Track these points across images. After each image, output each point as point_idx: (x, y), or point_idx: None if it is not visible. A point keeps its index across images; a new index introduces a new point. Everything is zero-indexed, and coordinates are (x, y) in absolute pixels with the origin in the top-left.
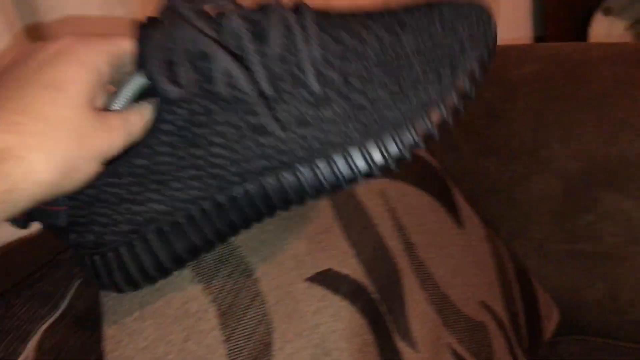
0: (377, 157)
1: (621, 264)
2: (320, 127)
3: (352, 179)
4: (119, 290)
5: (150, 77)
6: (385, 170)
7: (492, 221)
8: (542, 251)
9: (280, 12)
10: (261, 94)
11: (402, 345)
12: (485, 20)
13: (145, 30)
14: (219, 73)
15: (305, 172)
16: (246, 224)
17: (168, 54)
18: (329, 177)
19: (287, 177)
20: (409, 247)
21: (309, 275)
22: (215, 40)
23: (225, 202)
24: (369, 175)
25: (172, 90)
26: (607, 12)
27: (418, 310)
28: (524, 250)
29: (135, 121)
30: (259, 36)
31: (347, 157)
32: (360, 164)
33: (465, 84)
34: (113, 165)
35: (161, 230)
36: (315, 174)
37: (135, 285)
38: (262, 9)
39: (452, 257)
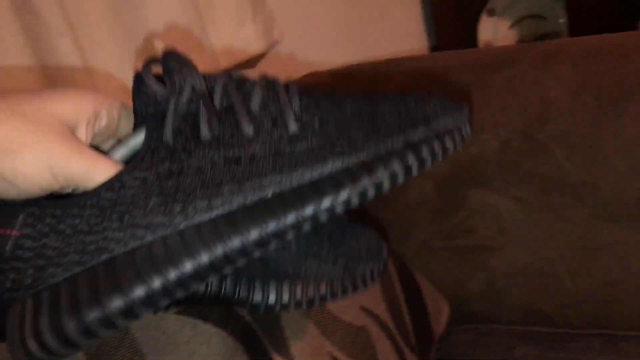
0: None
1: (494, 253)
2: (292, 158)
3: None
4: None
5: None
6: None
7: (381, 227)
8: (427, 250)
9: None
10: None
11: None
12: (461, 114)
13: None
14: (204, 119)
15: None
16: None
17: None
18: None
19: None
20: None
21: (176, 310)
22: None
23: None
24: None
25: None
26: (491, 13)
27: (294, 325)
28: (411, 252)
29: (102, 164)
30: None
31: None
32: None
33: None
34: (78, 197)
35: (112, 259)
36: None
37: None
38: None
39: None
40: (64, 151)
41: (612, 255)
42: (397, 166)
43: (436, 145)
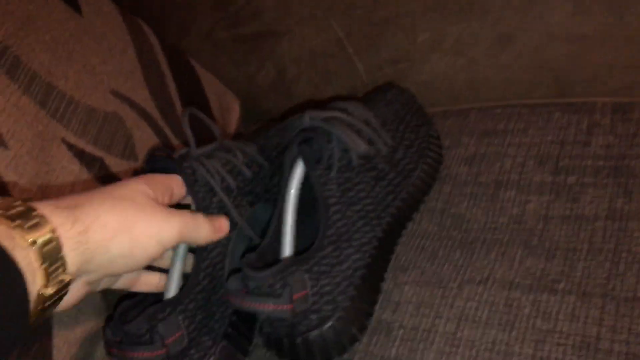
0: None
1: (282, 39)
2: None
3: None
4: None
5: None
6: None
7: (160, 19)
8: (212, 42)
9: None
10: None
11: None
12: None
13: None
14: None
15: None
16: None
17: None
18: None
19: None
20: None
21: None
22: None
23: (382, 233)
24: None
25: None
26: None
27: (5, 103)
28: (195, 46)
29: (199, 223)
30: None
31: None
32: None
33: None
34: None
35: (364, 276)
36: None
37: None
38: None
39: (60, 43)
40: (169, 219)
41: (398, 28)
42: None
43: None
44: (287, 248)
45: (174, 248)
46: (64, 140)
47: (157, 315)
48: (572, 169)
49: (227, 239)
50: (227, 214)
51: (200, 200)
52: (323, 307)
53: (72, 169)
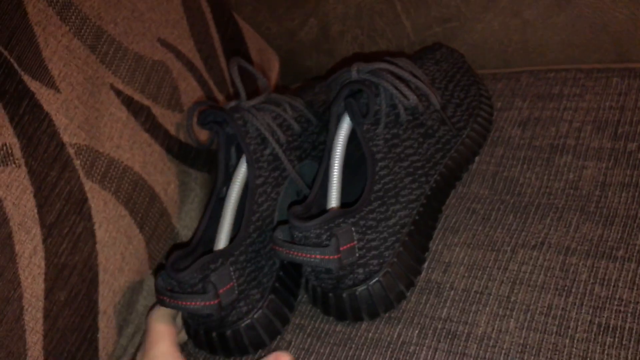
0: None
1: None
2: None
3: None
4: None
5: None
6: None
7: None
8: None
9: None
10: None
11: (36, 86)
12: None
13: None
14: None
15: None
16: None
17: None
18: None
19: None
20: None
21: None
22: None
23: (431, 191)
24: None
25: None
26: None
27: (57, 46)
28: None
29: None
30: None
31: None
32: None
33: None
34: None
35: (411, 233)
36: None
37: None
38: None
39: None
40: None
41: None
42: None
43: None
44: (333, 201)
45: (226, 198)
46: (112, 87)
47: (210, 265)
48: (633, 136)
49: (275, 193)
50: (278, 167)
51: (252, 152)
52: (370, 261)
53: (119, 116)
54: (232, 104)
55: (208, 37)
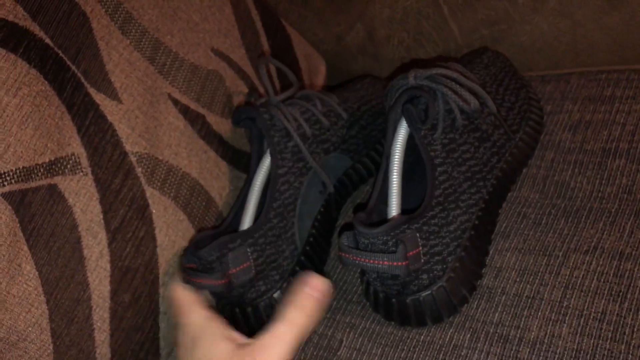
0: None
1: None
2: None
3: None
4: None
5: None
6: None
7: None
8: (300, 1)
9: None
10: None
11: (100, 98)
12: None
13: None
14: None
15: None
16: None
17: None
18: None
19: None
20: None
21: None
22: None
23: (488, 195)
24: None
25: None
26: None
27: (119, 59)
28: (284, 4)
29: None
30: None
31: None
32: None
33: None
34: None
35: (472, 237)
36: None
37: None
38: None
39: None
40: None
41: None
42: None
43: None
44: (395, 209)
45: (251, 186)
46: (170, 96)
47: (228, 245)
48: None
49: (299, 182)
50: (302, 158)
51: (276, 144)
52: (433, 267)
53: (177, 125)
54: (262, 99)
55: (258, 45)
